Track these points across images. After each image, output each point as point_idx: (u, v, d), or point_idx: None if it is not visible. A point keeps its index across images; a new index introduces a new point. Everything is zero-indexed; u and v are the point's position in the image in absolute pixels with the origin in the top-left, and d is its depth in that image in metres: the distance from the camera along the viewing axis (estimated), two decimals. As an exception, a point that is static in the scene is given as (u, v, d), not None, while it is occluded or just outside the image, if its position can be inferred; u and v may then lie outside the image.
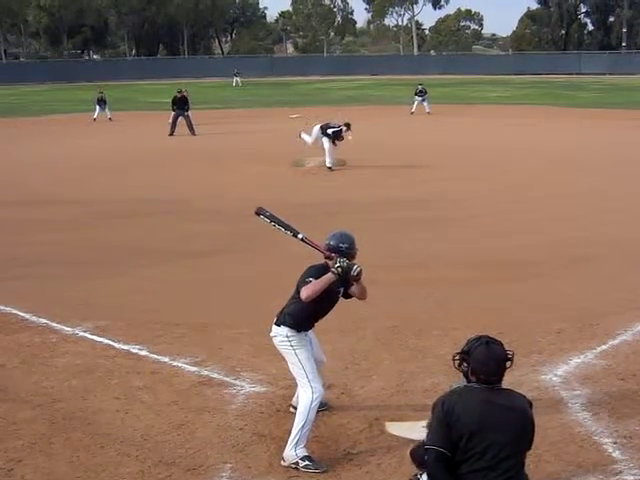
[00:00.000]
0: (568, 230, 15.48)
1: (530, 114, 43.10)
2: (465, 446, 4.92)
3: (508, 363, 5.16)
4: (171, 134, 34.16)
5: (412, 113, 43.40)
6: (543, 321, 10.04)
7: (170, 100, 35.79)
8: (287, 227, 7.43)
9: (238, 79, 78.66)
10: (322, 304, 6.87)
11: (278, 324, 7.00)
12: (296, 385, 7.07)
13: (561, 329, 9.76)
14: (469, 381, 5.16)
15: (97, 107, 42.18)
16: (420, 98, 44.28)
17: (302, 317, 6.92)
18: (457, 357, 5.23)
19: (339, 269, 6.59)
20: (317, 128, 23.56)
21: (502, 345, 5.21)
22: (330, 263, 6.78)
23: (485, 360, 5.07)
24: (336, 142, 23.34)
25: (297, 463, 6.60)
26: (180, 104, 35.01)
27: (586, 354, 8.93)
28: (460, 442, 4.92)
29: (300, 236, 7.32)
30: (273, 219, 7.47)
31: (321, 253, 7.10)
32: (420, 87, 44.88)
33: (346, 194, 19.85)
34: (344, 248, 6.93)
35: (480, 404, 5.00)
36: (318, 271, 6.84)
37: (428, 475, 5.10)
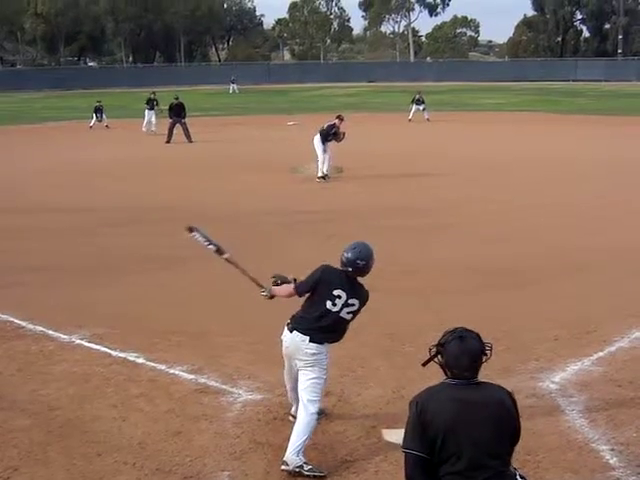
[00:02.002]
0: (565, 237, 15.49)
1: (527, 120, 43.22)
2: (442, 447, 4.71)
3: (484, 357, 4.89)
4: (168, 141, 34.18)
5: (410, 120, 43.49)
6: (540, 328, 10.04)
7: (167, 107, 35.85)
8: (216, 249, 7.74)
9: (235, 86, 78.82)
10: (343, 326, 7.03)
11: (320, 342, 6.88)
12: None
13: (558, 336, 9.76)
14: (446, 374, 4.94)
15: (94, 116, 42.30)
16: (418, 106, 44.41)
17: (342, 335, 7.07)
18: (433, 349, 5.01)
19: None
20: (317, 139, 23.16)
21: (479, 338, 4.95)
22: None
23: (458, 355, 4.83)
24: (339, 139, 23.15)
25: (302, 467, 6.60)
26: (177, 111, 35.05)
27: (583, 361, 8.93)
28: (436, 443, 4.71)
29: (226, 255, 7.62)
30: (201, 239, 7.81)
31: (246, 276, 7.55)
32: (418, 95, 45.03)
33: (343, 201, 19.88)
34: (361, 265, 6.95)
35: (453, 402, 4.78)
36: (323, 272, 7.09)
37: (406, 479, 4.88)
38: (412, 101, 45.39)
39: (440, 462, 4.74)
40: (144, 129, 38.58)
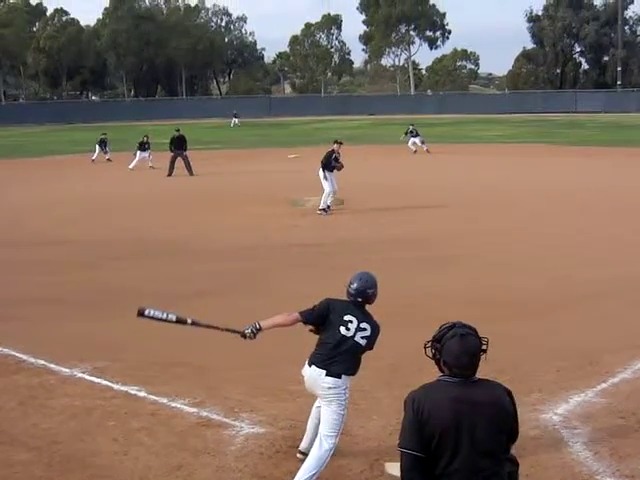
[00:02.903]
0: (567, 268, 15.49)
1: (527, 152, 43.36)
2: (437, 446, 4.60)
3: (482, 354, 4.79)
4: (169, 174, 34.26)
5: (415, 152, 43.63)
6: (543, 360, 10.02)
7: (169, 141, 35.92)
8: (176, 320, 7.58)
9: (236, 120, 79.23)
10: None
11: (338, 375, 6.88)
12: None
13: (561, 367, 9.74)
14: (442, 371, 4.81)
15: (97, 148, 42.51)
16: (414, 139, 44.56)
17: (358, 366, 7.03)
18: (428, 345, 4.89)
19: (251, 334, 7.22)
20: (320, 172, 23.12)
21: (476, 333, 4.84)
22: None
23: (458, 354, 4.70)
24: (339, 168, 23.09)
25: None
26: (178, 144, 35.13)
27: (586, 392, 8.90)
28: (432, 442, 4.60)
29: (189, 321, 7.51)
30: (156, 317, 7.60)
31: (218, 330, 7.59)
32: (411, 127, 45.27)
33: (344, 234, 19.90)
34: (370, 294, 7.08)
35: (451, 401, 4.65)
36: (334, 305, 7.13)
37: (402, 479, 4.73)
38: (405, 133, 45.62)
39: (435, 460, 4.63)
40: (131, 166, 38.09)
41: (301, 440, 7.49)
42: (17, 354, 10.55)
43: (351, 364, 6.94)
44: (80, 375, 9.75)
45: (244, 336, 7.21)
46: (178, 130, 36.20)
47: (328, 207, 22.98)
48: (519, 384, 8.96)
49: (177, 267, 16.33)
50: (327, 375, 6.87)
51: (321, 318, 7.08)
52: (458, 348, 4.72)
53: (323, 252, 17.38)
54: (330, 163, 23.02)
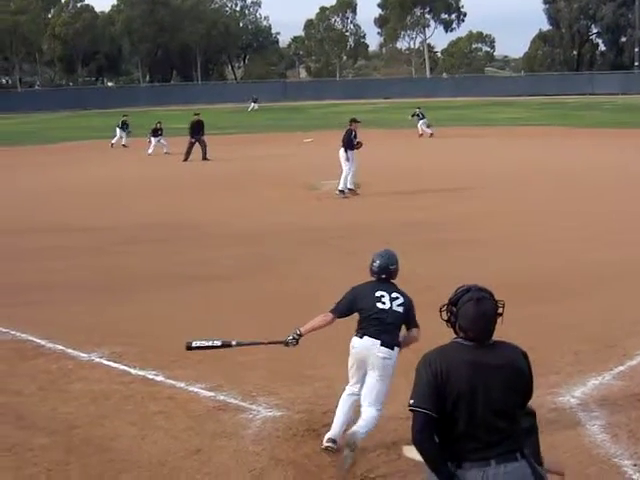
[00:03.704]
0: (584, 251, 15.42)
1: (544, 134, 43.16)
2: (454, 407, 4.57)
3: (499, 317, 4.74)
4: (185, 159, 34.24)
5: (421, 135, 43.51)
6: (560, 342, 9.99)
7: (188, 126, 35.71)
8: (222, 345, 7.76)
9: (255, 105, 79.13)
10: None
11: (391, 347, 7.13)
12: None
13: (578, 350, 9.71)
14: (457, 334, 4.79)
15: (118, 131, 42.37)
16: (421, 121, 44.43)
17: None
18: (444, 309, 4.87)
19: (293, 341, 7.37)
20: (342, 152, 23.05)
21: (492, 297, 4.79)
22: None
23: (475, 319, 4.66)
24: (358, 146, 23.05)
25: (353, 445, 6.86)
26: (197, 129, 35.06)
27: (604, 375, 8.88)
28: (447, 404, 4.57)
29: (234, 343, 7.70)
30: (203, 347, 7.84)
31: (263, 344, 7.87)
32: (418, 110, 45.14)
33: (360, 217, 19.88)
34: (393, 269, 7.43)
35: (468, 364, 4.61)
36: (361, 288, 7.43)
37: (414, 442, 4.68)
38: (412, 115, 45.48)
39: (451, 423, 4.62)
40: (150, 152, 38.17)
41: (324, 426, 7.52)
42: (35, 339, 10.60)
43: (397, 337, 7.20)
44: (98, 360, 9.80)
45: (287, 344, 7.40)
46: (198, 114, 36.06)
47: (349, 189, 22.92)
48: (536, 367, 8.87)
49: (195, 251, 16.36)
50: (382, 345, 7.08)
51: (351, 306, 7.32)
52: (474, 312, 4.69)
53: (340, 236, 17.36)
54: (352, 142, 22.95)
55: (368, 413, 7.12)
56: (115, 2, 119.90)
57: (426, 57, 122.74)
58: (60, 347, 10.28)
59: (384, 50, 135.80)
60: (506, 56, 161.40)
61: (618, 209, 19.79)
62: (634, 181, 24.04)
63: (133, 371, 9.37)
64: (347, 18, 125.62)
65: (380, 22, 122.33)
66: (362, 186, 23.86)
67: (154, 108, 78.85)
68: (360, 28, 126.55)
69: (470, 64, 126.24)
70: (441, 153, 35.43)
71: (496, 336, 4.76)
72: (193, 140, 34.86)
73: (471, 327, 4.69)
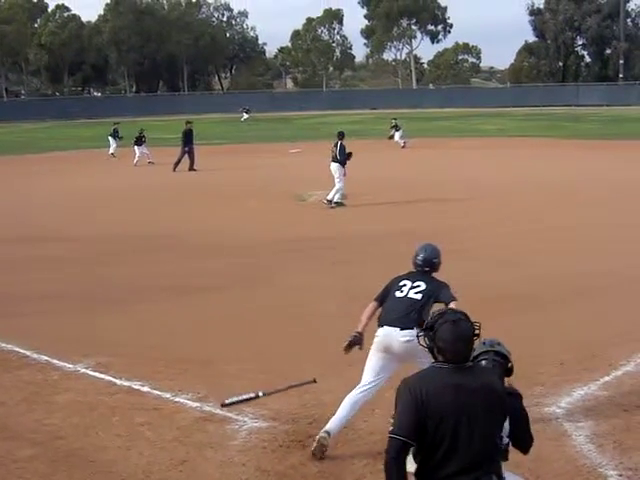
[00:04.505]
0: (569, 262, 15.47)
1: (530, 146, 43.27)
2: (434, 432, 4.63)
3: (475, 338, 4.87)
4: (175, 169, 34.15)
5: (403, 147, 43.60)
6: (545, 353, 10.01)
7: (181, 135, 35.43)
8: (251, 397, 8.12)
9: (247, 115, 79.10)
10: None
11: (411, 327, 7.26)
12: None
13: (563, 361, 9.73)
14: (435, 358, 4.86)
15: (111, 140, 42.00)
16: (397, 132, 44.58)
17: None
18: (421, 334, 4.95)
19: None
20: (338, 167, 23.02)
21: (468, 318, 4.93)
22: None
23: (453, 340, 4.74)
24: (349, 157, 23.11)
25: None
26: (189, 138, 35.00)
27: (589, 386, 8.90)
28: (429, 428, 4.63)
29: (261, 394, 8.10)
30: (238, 401, 8.15)
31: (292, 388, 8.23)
32: (394, 121, 45.28)
33: (348, 228, 19.89)
34: (436, 262, 7.96)
35: (451, 388, 4.67)
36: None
37: (386, 465, 4.72)
38: (392, 127, 45.63)
39: (429, 447, 4.67)
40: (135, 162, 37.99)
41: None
42: (20, 350, 10.56)
43: (416, 321, 7.27)
44: (83, 371, 9.76)
45: (349, 347, 7.54)
46: (190, 122, 36.03)
47: (336, 203, 22.95)
48: (522, 377, 8.94)
49: (180, 262, 16.34)
50: (402, 329, 7.33)
51: (386, 294, 7.73)
52: (451, 334, 4.77)
53: (326, 246, 17.37)
54: (349, 157, 23.11)
55: None
56: (102, 12, 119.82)
57: (412, 68, 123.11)
58: (45, 358, 10.23)
59: (371, 61, 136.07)
60: (492, 67, 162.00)
61: (605, 220, 19.86)
62: (623, 194, 24.12)
63: (119, 382, 9.33)
64: (334, 29, 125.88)
65: (367, 33, 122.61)
66: (349, 197, 23.88)
67: (141, 118, 78.67)
68: (347, 39, 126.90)
69: (456, 75, 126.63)
70: (428, 164, 35.45)
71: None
72: (186, 149, 34.76)
73: (449, 348, 4.76)
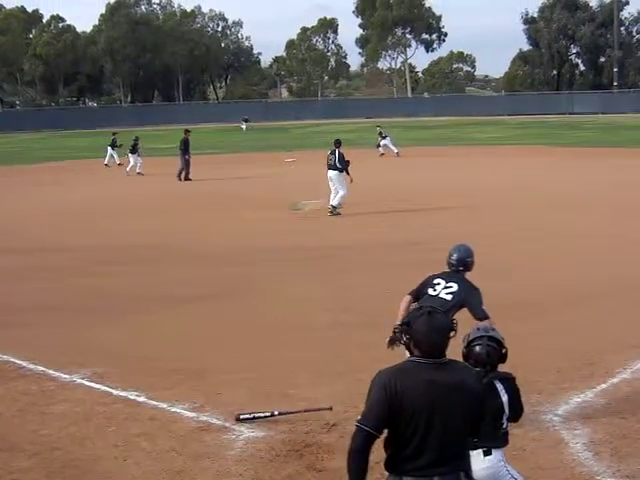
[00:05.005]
0: (565, 270, 15.49)
1: (525, 154, 43.31)
2: (406, 426, 4.61)
3: (452, 333, 4.77)
4: (181, 178, 34.34)
5: (382, 155, 43.72)
6: (542, 361, 10.01)
7: (180, 144, 35.48)
8: (266, 415, 8.26)
9: (246, 125, 79.11)
10: None
11: None
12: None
13: (560, 368, 9.74)
14: (412, 354, 4.79)
15: (111, 150, 41.95)
16: (383, 140, 44.67)
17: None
18: (398, 329, 4.92)
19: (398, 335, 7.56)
20: (341, 175, 23.14)
21: (445, 315, 4.92)
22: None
23: (428, 331, 4.67)
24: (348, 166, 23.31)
25: None
26: (187, 146, 35.11)
27: (586, 393, 8.90)
28: (401, 422, 4.61)
29: (276, 413, 8.25)
30: (255, 416, 8.28)
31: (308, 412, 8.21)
32: (379, 129, 45.41)
33: (343, 237, 19.90)
34: (470, 262, 8.34)
35: (426, 383, 4.63)
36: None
37: (349, 453, 4.76)
38: (379, 135, 45.77)
39: (401, 443, 4.67)
40: (137, 171, 37.86)
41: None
42: (16, 361, 10.54)
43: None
44: (79, 381, 9.74)
45: (392, 343, 7.43)
46: (189, 131, 36.19)
47: (334, 208, 23.03)
48: (519, 385, 8.96)
49: (176, 272, 16.33)
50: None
51: (421, 289, 8.08)
52: (427, 325, 4.71)
53: (320, 256, 17.36)
54: (348, 165, 23.24)
55: None
56: (97, 22, 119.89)
57: (407, 77, 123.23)
58: (41, 368, 10.22)
59: (365, 70, 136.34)
60: (487, 76, 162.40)
61: (599, 228, 19.88)
62: (619, 201, 24.15)
63: (115, 392, 9.32)
64: (328, 38, 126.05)
65: (361, 42, 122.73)
66: (344, 206, 23.87)
67: (136, 128, 78.60)
68: (341, 48, 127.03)
69: (451, 84, 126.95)
70: (422, 173, 35.42)
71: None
72: (187, 157, 34.86)
73: (424, 339, 4.70)
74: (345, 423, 8.16)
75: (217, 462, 7.47)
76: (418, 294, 8.01)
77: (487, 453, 5.58)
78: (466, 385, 4.75)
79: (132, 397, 9.15)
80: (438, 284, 7.95)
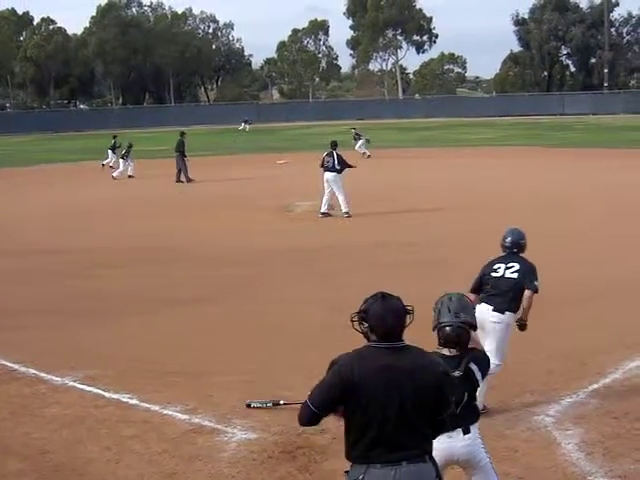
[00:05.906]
0: (558, 270, 15.48)
1: (517, 154, 43.33)
2: (363, 412, 4.63)
3: (408, 317, 4.80)
4: (187, 180, 34.36)
5: (369, 156, 43.55)
6: (534, 361, 10.04)
7: (176, 146, 35.45)
8: (274, 403, 8.67)
9: (247, 126, 79.06)
10: None
11: (501, 311, 8.35)
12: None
13: (552, 369, 9.76)
14: (369, 339, 4.80)
15: (109, 153, 41.55)
16: (360, 141, 44.67)
17: (519, 303, 8.52)
18: (355, 317, 4.89)
19: None
20: (330, 176, 22.95)
21: (400, 300, 4.90)
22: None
23: (382, 314, 4.72)
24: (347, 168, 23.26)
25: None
26: (183, 148, 35.10)
27: (578, 393, 8.92)
28: (357, 409, 4.64)
29: (282, 402, 8.61)
30: (261, 405, 8.67)
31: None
32: (354, 131, 45.45)
33: (335, 238, 19.90)
34: (523, 243, 8.92)
35: (382, 369, 4.65)
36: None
37: (299, 423, 4.95)
38: (356, 135, 45.74)
39: (360, 430, 4.68)
40: (117, 174, 37.58)
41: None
42: (8, 363, 10.52)
43: (512, 302, 8.41)
44: (71, 384, 9.73)
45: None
46: (184, 134, 36.27)
47: (322, 213, 23.00)
48: (511, 386, 8.99)
49: (172, 274, 16.31)
50: (493, 310, 8.30)
51: (480, 281, 8.62)
52: (382, 307, 4.77)
53: (313, 257, 17.36)
54: (343, 164, 23.12)
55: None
56: (87, 25, 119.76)
57: (398, 78, 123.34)
58: (33, 371, 10.20)
59: (356, 72, 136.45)
60: (477, 77, 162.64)
61: (592, 228, 19.92)
62: (613, 202, 24.17)
63: (107, 394, 9.31)
64: (319, 40, 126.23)
65: (352, 44, 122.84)
66: (336, 207, 23.88)
67: (127, 131, 78.53)
68: (332, 50, 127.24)
69: (442, 85, 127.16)
70: (414, 174, 35.40)
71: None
72: (186, 158, 34.86)
73: (379, 323, 4.73)
74: (336, 424, 8.15)
75: (209, 464, 7.47)
76: (479, 286, 8.54)
77: (466, 431, 5.65)
78: (425, 368, 4.76)
79: (124, 400, 9.14)
80: (499, 268, 8.49)
